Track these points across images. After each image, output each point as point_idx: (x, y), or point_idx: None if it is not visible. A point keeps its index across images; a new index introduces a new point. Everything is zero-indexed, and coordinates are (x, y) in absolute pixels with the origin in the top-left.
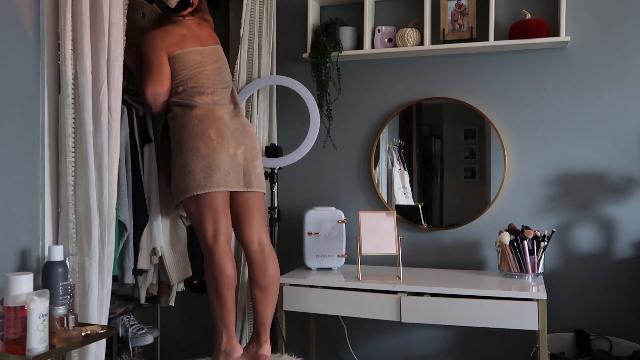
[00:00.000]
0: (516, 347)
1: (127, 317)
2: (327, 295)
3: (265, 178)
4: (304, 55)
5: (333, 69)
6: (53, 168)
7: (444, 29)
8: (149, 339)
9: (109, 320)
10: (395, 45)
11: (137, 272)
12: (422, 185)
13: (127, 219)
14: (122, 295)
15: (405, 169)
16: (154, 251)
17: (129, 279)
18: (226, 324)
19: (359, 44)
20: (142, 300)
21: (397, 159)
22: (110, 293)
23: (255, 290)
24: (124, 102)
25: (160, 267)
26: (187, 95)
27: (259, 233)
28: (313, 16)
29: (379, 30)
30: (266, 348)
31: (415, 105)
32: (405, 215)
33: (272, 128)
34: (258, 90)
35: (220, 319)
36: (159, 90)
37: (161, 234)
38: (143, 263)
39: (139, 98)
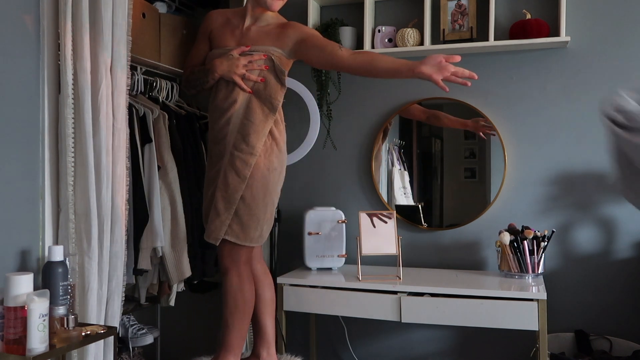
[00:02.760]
0: (516, 347)
1: (127, 317)
2: (327, 295)
3: None
4: None
5: None
6: (53, 168)
7: (444, 29)
8: (149, 339)
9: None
10: (396, 46)
11: (138, 272)
12: (422, 185)
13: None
14: None
15: (405, 169)
16: (154, 251)
17: (129, 279)
18: (240, 346)
19: (359, 44)
20: (142, 300)
21: (397, 159)
22: (120, 293)
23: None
24: None
25: (161, 267)
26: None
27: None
28: (313, 16)
29: (379, 31)
30: None
31: (415, 105)
32: (405, 215)
33: None
34: None
35: (237, 339)
36: None
37: (161, 233)
38: (143, 263)
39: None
